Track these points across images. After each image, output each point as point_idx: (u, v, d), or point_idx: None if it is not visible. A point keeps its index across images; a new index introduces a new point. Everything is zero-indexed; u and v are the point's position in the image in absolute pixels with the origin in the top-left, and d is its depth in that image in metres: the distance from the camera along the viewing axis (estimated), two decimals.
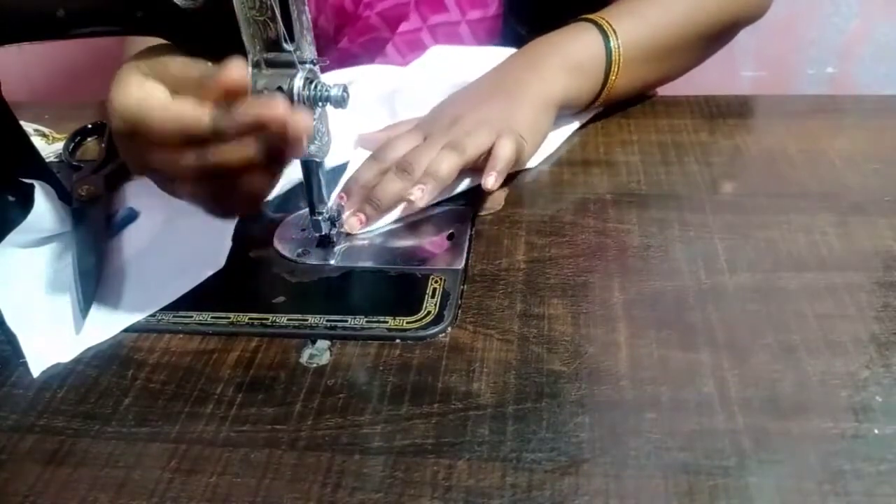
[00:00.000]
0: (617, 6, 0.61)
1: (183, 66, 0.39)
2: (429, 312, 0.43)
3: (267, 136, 0.37)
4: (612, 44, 0.58)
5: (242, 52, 0.39)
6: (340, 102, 0.41)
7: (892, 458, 0.34)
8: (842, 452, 0.34)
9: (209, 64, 0.38)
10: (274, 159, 0.39)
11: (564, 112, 0.59)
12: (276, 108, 0.37)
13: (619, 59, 0.58)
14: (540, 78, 0.57)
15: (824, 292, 0.43)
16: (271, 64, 0.40)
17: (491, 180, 0.51)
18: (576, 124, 0.61)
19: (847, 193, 0.51)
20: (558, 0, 0.66)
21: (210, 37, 0.39)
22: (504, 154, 0.52)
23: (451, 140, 0.52)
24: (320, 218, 0.48)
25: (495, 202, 0.53)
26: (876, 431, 0.34)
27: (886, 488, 0.32)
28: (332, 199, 0.50)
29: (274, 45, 0.39)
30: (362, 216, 0.51)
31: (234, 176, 0.39)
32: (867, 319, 0.41)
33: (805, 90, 1.21)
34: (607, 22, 0.59)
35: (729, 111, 0.62)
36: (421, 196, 0.49)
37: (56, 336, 0.44)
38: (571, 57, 0.58)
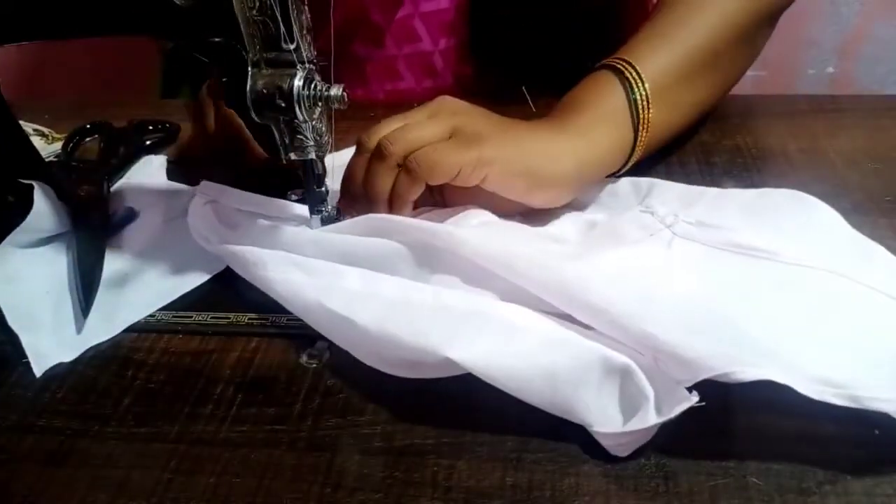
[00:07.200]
0: (635, 41, 0.52)
1: None
2: None
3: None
4: (636, 93, 0.49)
5: (242, 52, 0.39)
6: (340, 102, 0.41)
7: (892, 458, 0.34)
8: (842, 453, 0.34)
9: None
10: None
11: (606, 172, 0.50)
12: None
13: (646, 101, 0.49)
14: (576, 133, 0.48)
15: None
16: (271, 63, 0.40)
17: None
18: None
19: (847, 193, 0.51)
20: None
21: (210, 36, 0.39)
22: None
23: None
24: (319, 216, 0.48)
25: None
26: (876, 432, 0.34)
27: (886, 488, 0.32)
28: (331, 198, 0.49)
29: (274, 44, 0.39)
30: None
31: None
32: None
33: (805, 90, 1.22)
34: (625, 62, 0.50)
35: (729, 111, 0.62)
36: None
37: (58, 336, 0.44)
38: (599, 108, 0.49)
